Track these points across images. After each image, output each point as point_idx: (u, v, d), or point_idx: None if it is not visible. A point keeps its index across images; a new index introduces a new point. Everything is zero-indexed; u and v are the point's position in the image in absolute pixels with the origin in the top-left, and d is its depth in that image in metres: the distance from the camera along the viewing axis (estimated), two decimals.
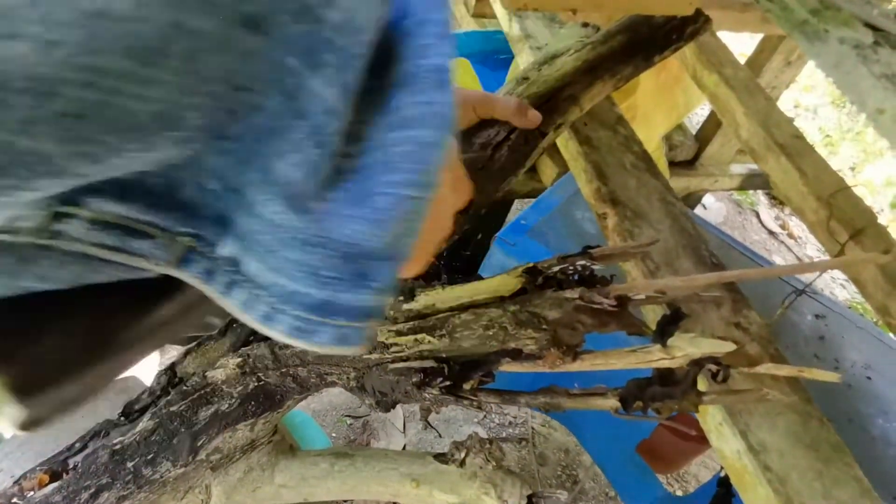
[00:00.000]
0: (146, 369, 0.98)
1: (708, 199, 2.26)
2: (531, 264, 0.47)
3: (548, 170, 1.27)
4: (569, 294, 0.42)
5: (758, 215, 2.31)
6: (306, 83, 0.16)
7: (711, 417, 0.54)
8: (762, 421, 0.53)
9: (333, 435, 1.24)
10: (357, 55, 0.17)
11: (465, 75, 1.45)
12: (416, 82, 0.18)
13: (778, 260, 2.26)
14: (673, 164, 1.52)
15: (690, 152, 1.54)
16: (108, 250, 0.17)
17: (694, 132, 1.59)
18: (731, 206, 2.35)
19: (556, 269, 0.47)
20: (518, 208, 1.70)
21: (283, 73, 0.16)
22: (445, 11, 0.19)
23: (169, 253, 0.18)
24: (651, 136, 1.41)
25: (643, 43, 0.65)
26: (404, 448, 1.22)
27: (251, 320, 0.20)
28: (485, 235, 1.37)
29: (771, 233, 2.27)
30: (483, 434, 1.35)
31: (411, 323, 0.46)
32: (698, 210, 2.22)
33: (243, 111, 0.16)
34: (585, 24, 0.76)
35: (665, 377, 0.45)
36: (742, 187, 1.64)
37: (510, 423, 1.39)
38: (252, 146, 0.17)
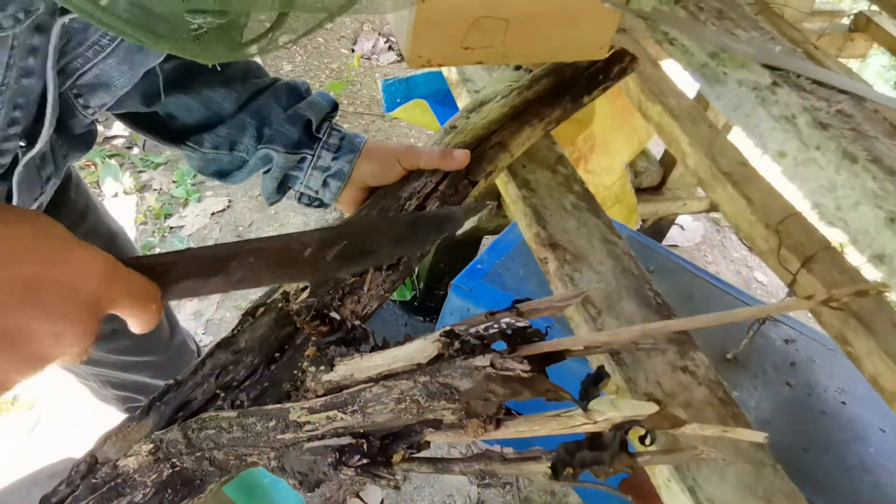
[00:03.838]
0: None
1: (685, 219, 2.25)
2: (450, 327, 0.45)
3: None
4: (479, 362, 0.40)
5: (736, 232, 2.31)
6: None
7: (660, 473, 0.52)
8: (711, 474, 0.50)
9: None
10: None
11: (423, 115, 1.45)
12: None
13: (760, 276, 2.25)
14: (639, 191, 1.51)
15: (656, 178, 1.54)
16: None
17: (658, 157, 1.59)
18: (708, 224, 2.34)
19: (481, 328, 0.44)
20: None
21: None
22: None
23: None
24: (613, 163, 1.41)
25: (569, 85, 0.64)
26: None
27: None
28: (457, 273, 1.36)
29: (751, 249, 2.26)
30: (466, 481, 1.30)
31: (323, 399, 0.44)
32: (676, 231, 2.21)
33: None
34: (518, 67, 0.75)
35: (595, 440, 0.43)
36: (711, 209, 1.64)
37: None
38: None
